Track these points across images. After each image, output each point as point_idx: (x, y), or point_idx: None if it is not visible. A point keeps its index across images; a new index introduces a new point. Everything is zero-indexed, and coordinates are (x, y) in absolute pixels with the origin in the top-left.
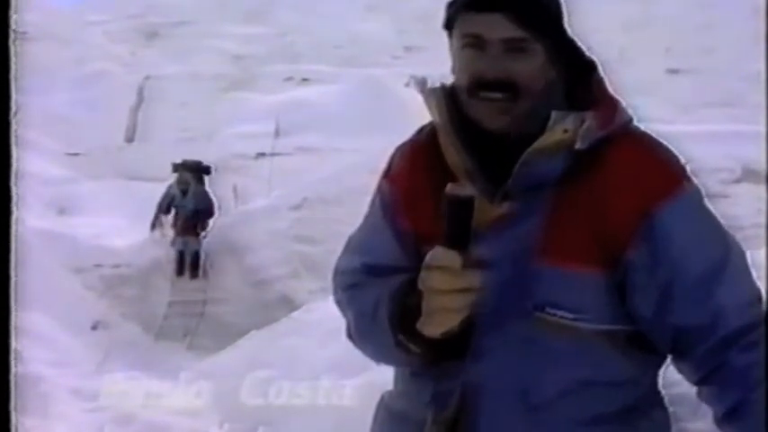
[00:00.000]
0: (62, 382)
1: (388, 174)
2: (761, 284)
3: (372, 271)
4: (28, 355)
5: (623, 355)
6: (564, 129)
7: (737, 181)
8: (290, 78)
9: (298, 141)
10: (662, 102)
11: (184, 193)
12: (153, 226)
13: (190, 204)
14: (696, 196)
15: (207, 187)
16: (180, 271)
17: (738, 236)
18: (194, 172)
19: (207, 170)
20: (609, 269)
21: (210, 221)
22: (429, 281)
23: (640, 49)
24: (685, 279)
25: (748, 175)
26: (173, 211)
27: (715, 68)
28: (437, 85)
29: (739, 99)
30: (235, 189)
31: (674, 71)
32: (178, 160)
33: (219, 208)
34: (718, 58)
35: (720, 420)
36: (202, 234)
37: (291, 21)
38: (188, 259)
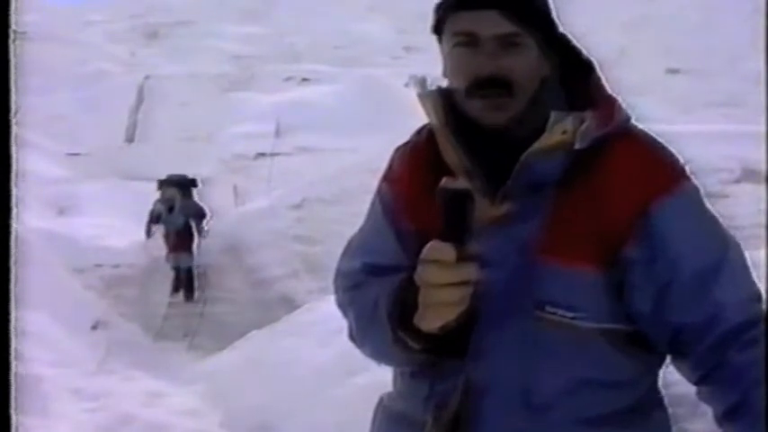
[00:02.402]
0: (62, 382)
1: (387, 175)
2: (761, 284)
3: (373, 271)
4: (28, 355)
5: (623, 354)
6: (563, 129)
7: (737, 181)
8: (290, 78)
9: (298, 141)
10: (662, 102)
11: (171, 209)
12: (147, 234)
13: (179, 219)
14: (694, 194)
15: (195, 198)
16: (177, 287)
17: (738, 236)
18: (180, 186)
19: (193, 183)
20: (608, 267)
21: (204, 223)
22: (424, 275)
23: (640, 49)
24: (683, 276)
25: (748, 175)
26: (162, 227)
27: (715, 68)
28: (433, 87)
29: (739, 99)
30: (235, 189)
31: (673, 71)
32: (178, 160)
33: (212, 214)
34: (718, 58)
35: (720, 419)
36: (196, 243)
37: (291, 21)
38: (182, 277)
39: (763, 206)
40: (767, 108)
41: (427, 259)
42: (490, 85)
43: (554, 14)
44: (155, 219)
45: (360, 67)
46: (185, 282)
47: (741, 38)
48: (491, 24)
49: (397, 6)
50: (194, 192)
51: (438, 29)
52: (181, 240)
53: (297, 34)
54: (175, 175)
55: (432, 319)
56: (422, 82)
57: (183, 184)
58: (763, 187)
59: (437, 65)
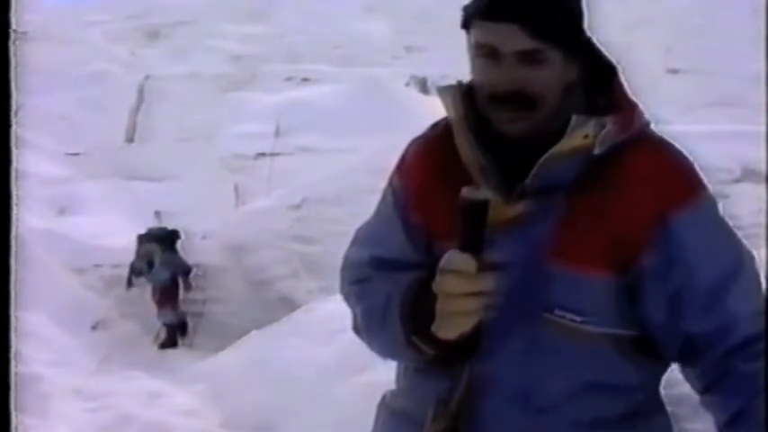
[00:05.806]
0: (62, 382)
1: (400, 167)
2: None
3: (381, 264)
4: (28, 355)
5: (629, 359)
6: (584, 134)
7: (737, 181)
8: (290, 78)
9: (298, 141)
10: (662, 102)
11: (150, 264)
12: (128, 286)
13: (163, 275)
14: (711, 204)
15: (179, 248)
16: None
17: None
18: (160, 241)
19: (175, 235)
20: (620, 274)
21: (191, 276)
22: (444, 284)
23: (640, 49)
24: (698, 287)
25: (748, 175)
26: (149, 285)
27: (715, 68)
28: (453, 82)
29: (739, 99)
30: (235, 189)
31: (674, 71)
32: (178, 160)
33: (198, 267)
34: (718, 58)
35: (722, 428)
36: (182, 297)
37: (291, 21)
38: (172, 331)
39: (763, 206)
40: (767, 108)
41: (447, 269)
42: (510, 100)
43: (584, 23)
44: (136, 273)
45: (360, 67)
46: (178, 330)
47: (741, 38)
48: (512, 40)
49: (397, 6)
50: (179, 243)
51: (466, 27)
52: (166, 297)
53: (297, 34)
54: (156, 229)
55: (450, 329)
56: (422, 82)
57: (164, 239)
58: (763, 187)
59: (437, 65)
